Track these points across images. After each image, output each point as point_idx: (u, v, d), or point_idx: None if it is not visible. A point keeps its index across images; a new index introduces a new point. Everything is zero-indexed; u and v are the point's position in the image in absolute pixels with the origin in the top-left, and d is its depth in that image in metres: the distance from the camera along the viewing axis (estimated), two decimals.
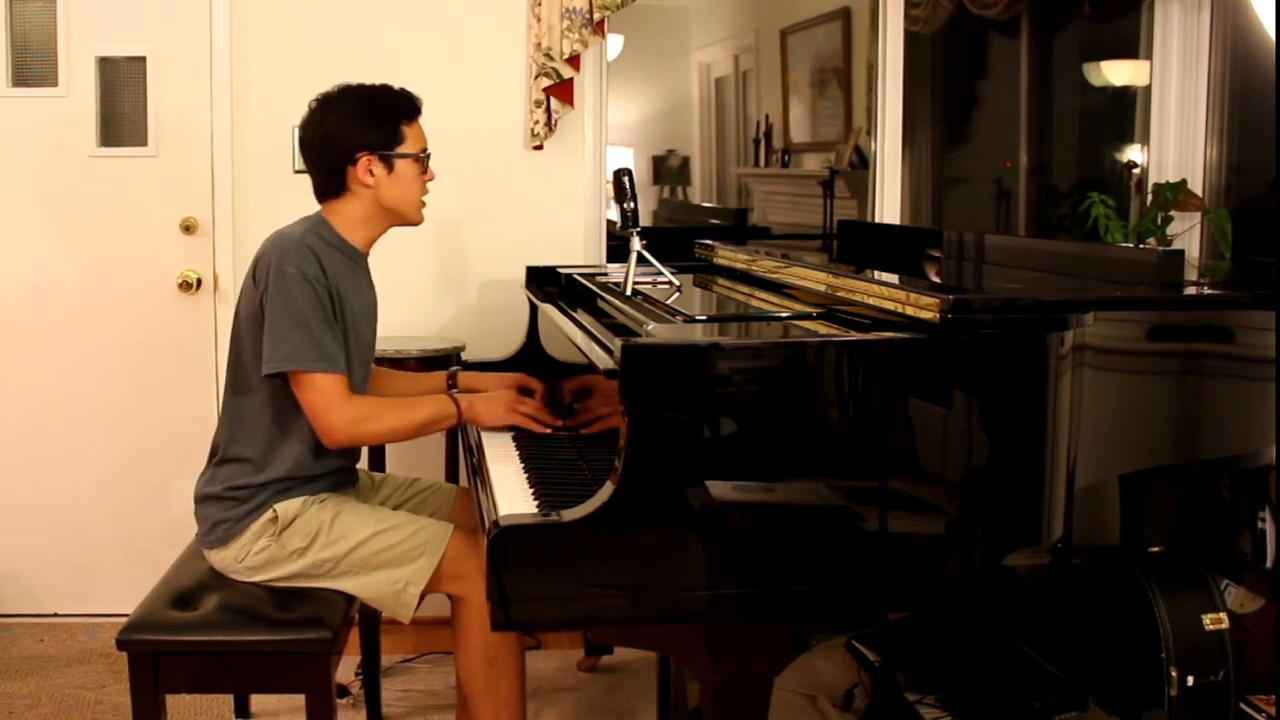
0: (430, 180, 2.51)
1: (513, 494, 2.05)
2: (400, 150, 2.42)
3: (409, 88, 2.48)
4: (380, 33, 3.49)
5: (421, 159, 2.46)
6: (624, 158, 5.00)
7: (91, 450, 3.60)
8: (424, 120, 2.49)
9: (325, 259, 2.35)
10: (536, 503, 2.00)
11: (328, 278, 2.33)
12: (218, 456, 2.43)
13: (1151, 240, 3.33)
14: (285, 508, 2.36)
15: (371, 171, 2.41)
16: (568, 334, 2.43)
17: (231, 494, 2.37)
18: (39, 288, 3.56)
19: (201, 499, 2.42)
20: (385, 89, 2.46)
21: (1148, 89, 3.69)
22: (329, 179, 2.44)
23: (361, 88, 2.44)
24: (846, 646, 3.08)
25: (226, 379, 2.46)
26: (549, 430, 2.45)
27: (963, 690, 2.74)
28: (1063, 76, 4.56)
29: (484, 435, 2.45)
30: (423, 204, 2.51)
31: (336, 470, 2.47)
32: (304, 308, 2.28)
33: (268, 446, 2.37)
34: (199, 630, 2.25)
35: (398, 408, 2.42)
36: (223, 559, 2.39)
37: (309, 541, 2.35)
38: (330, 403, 2.29)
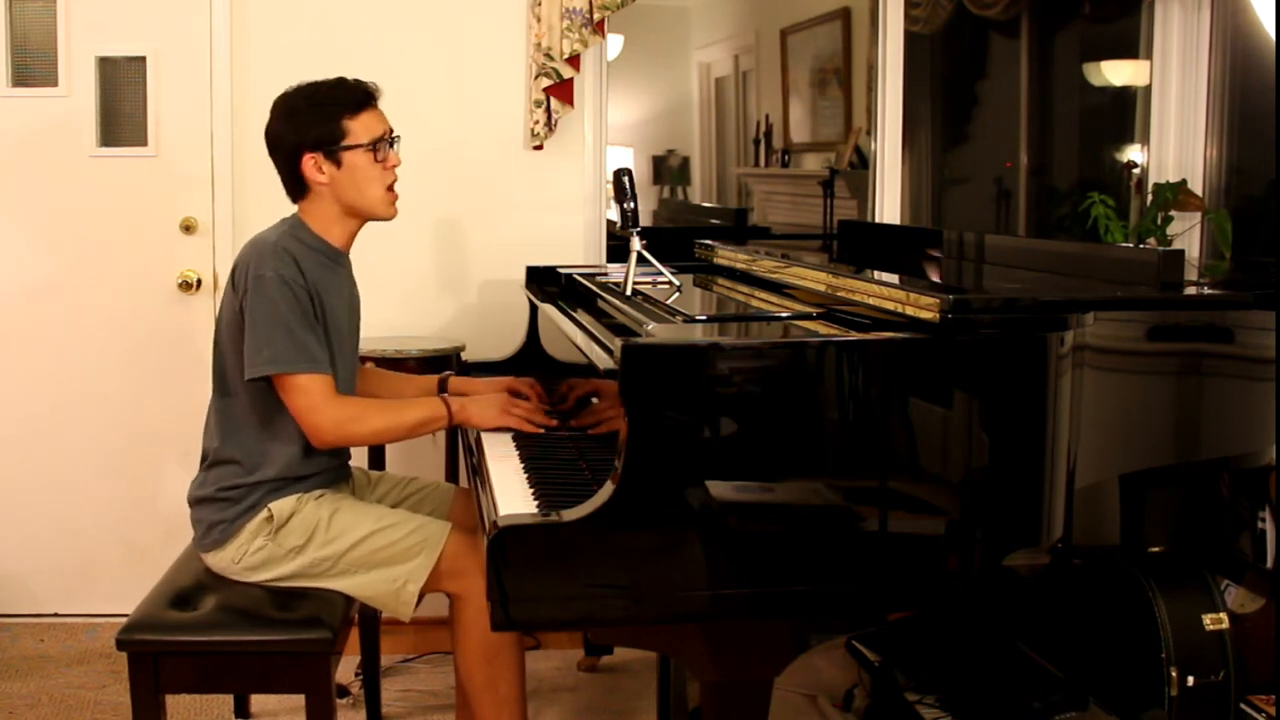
0: (394, 166, 2.41)
1: (512, 494, 2.04)
2: (345, 143, 2.35)
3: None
4: (380, 32, 3.49)
5: (372, 149, 2.37)
6: (624, 158, 4.99)
7: (91, 450, 3.60)
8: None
9: (303, 261, 2.33)
10: (536, 503, 1.99)
11: (306, 279, 2.31)
12: (208, 460, 2.43)
13: (1151, 240, 3.33)
14: (279, 506, 2.35)
15: (321, 169, 2.36)
16: (568, 334, 2.43)
17: (224, 495, 2.37)
18: (39, 288, 3.56)
19: (195, 502, 2.42)
20: (335, 81, 2.39)
21: (1148, 89, 3.69)
22: (288, 180, 2.41)
23: (308, 84, 2.39)
24: (846, 646, 3.08)
25: (213, 384, 2.44)
26: (542, 431, 2.44)
27: (963, 690, 2.74)
28: (1063, 76, 4.56)
29: (484, 435, 2.44)
30: (392, 196, 2.42)
31: (328, 469, 2.46)
32: (284, 310, 2.26)
33: (257, 449, 2.37)
34: (199, 630, 2.25)
35: (386, 409, 2.41)
36: (220, 561, 2.39)
37: (306, 539, 2.35)
38: (316, 404, 2.29)
